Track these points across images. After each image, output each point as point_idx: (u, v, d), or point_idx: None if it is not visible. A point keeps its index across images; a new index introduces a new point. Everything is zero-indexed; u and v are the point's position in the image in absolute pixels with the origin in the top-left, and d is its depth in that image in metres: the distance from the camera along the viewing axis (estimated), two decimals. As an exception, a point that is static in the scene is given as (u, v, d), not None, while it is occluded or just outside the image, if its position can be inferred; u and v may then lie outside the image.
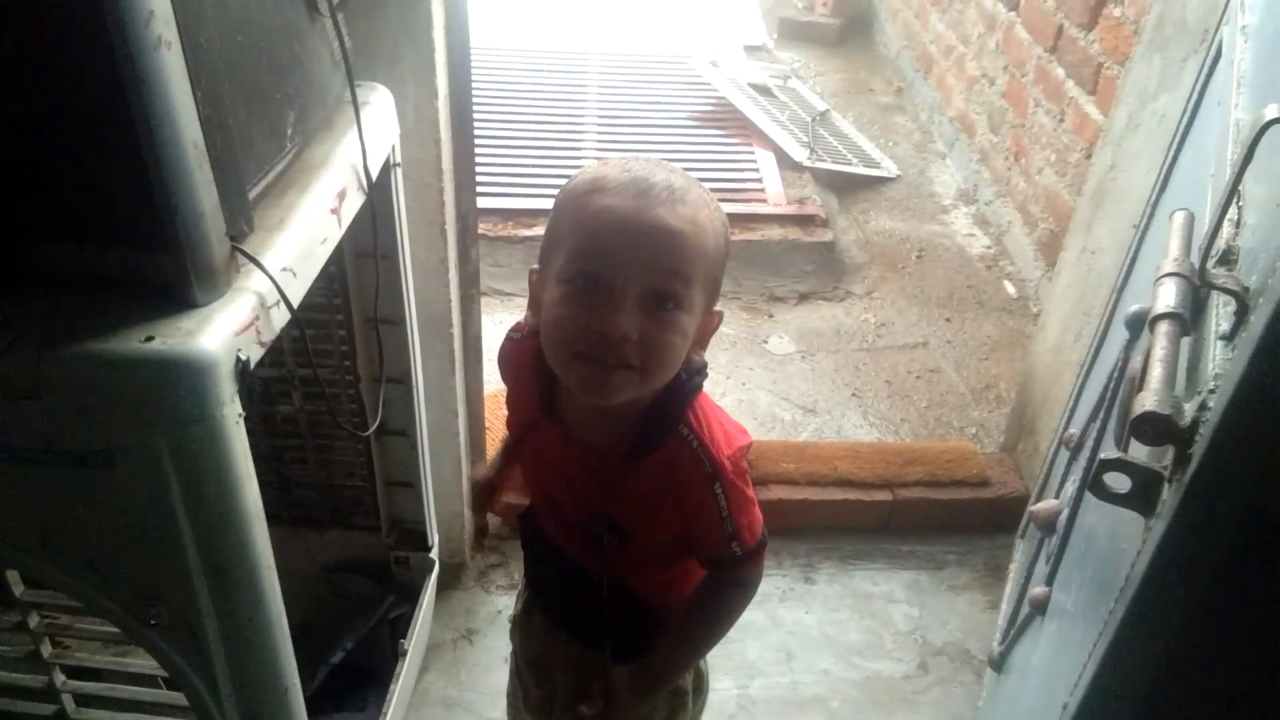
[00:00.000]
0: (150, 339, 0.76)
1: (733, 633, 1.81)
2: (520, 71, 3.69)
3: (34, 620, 0.98)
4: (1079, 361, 1.84)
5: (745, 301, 2.78)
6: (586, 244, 0.85)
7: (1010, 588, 1.85)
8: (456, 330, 1.58)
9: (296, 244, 0.94)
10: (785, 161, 3.23)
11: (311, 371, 1.40)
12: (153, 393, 0.76)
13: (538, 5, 4.37)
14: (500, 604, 1.84)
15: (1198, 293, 0.74)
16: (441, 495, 1.69)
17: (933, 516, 2.01)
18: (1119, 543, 0.81)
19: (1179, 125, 1.48)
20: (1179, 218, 0.85)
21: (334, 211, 1.04)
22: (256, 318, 0.85)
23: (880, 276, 2.91)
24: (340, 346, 1.43)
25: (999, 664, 1.45)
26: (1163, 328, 0.69)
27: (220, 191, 0.80)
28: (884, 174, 3.38)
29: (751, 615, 1.85)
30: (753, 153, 3.29)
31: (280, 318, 0.91)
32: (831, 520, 1.99)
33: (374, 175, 1.14)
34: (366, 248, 1.30)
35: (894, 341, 2.65)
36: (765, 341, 2.63)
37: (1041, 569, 1.28)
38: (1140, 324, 1.10)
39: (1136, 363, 0.76)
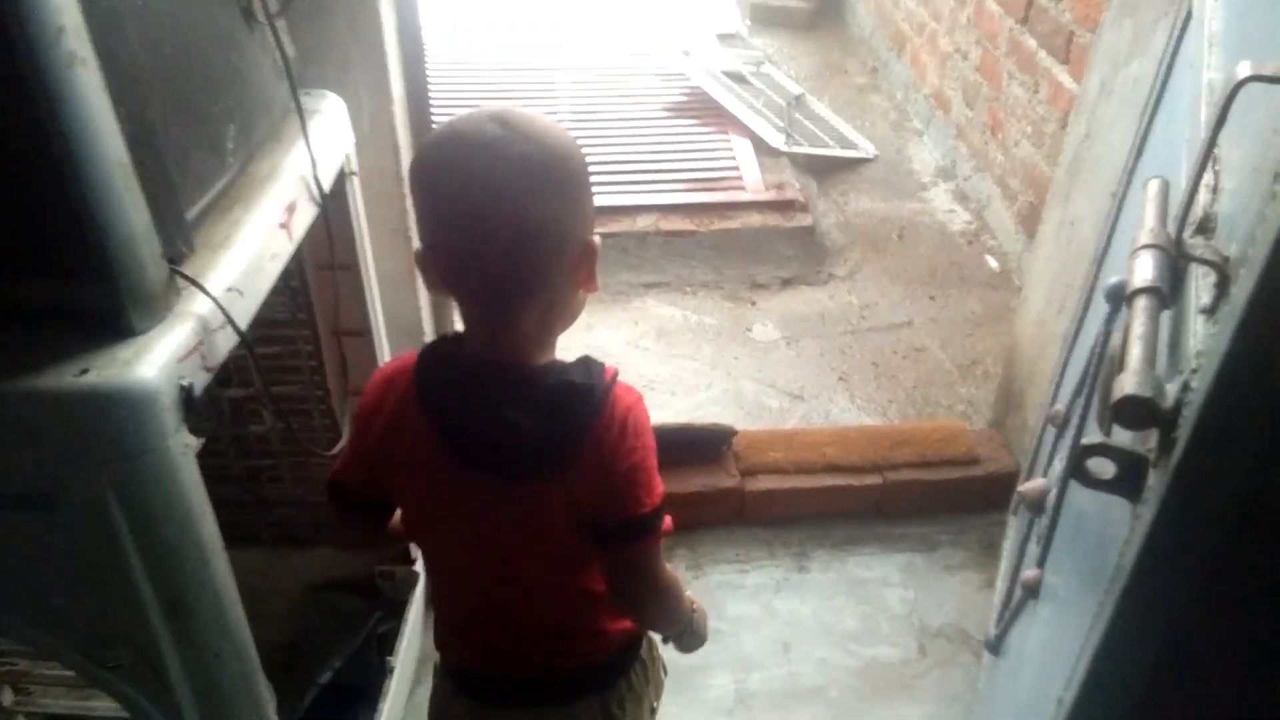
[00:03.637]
0: (85, 372, 0.73)
1: (726, 626, 1.78)
2: (489, 72, 3.65)
3: (-6, 666, 0.95)
4: (1063, 334, 1.81)
5: (728, 290, 2.74)
6: None
7: (1004, 566, 1.82)
8: (430, 338, 1.55)
9: (243, 261, 0.91)
10: (762, 148, 3.19)
11: (264, 389, 1.37)
12: (90, 429, 0.73)
13: (502, 7, 4.32)
14: (491, 613, 1.80)
15: (1175, 264, 0.71)
16: (424, 506, 1.66)
17: (924, 497, 1.98)
18: (1107, 527, 0.78)
19: (1152, 89, 1.44)
20: (1153, 186, 0.82)
21: (283, 225, 1.00)
22: (200, 342, 0.81)
23: (862, 258, 2.88)
24: (309, 361, 1.40)
25: (995, 646, 1.42)
26: (1140, 303, 0.66)
27: (153, 213, 0.76)
28: (862, 155, 3.34)
29: (747, 608, 1.83)
30: (729, 141, 3.25)
31: (228, 340, 0.87)
32: (823, 507, 1.96)
33: (326, 185, 1.10)
34: (326, 259, 1.26)
35: (879, 322, 2.62)
36: (749, 329, 2.60)
37: (1033, 550, 1.26)
38: (1119, 297, 1.07)
39: (1116, 340, 0.73)
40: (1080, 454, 0.66)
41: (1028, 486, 1.25)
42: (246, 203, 0.96)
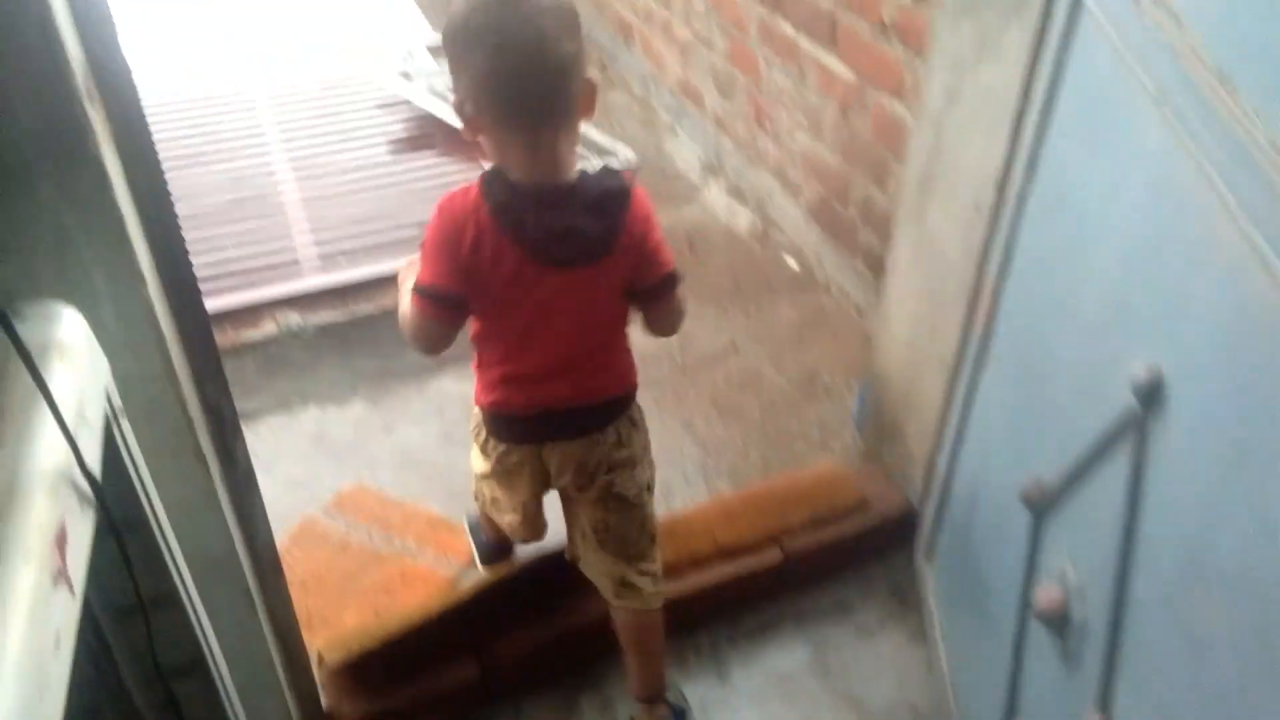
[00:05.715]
0: None
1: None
2: (183, 128, 3.07)
3: None
4: (939, 356, 1.68)
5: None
6: None
7: (938, 624, 1.68)
8: (246, 563, 1.15)
9: (12, 683, 0.52)
10: (519, 172, 2.88)
11: None
12: None
13: (183, 47, 3.70)
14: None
15: None
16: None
17: (824, 556, 1.81)
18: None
19: (1031, 95, 1.31)
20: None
21: (59, 575, 0.61)
22: None
23: (661, 280, 2.67)
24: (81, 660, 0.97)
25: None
26: None
27: None
28: (625, 163, 3.12)
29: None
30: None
31: None
32: (725, 597, 1.74)
33: (97, 466, 0.71)
34: (99, 522, 0.86)
35: (703, 352, 2.42)
36: (567, 389, 2.32)
37: (1060, 668, 1.09)
38: (1156, 393, 0.90)
39: None
40: None
41: (1044, 598, 1.07)
42: (-12, 569, 0.56)
